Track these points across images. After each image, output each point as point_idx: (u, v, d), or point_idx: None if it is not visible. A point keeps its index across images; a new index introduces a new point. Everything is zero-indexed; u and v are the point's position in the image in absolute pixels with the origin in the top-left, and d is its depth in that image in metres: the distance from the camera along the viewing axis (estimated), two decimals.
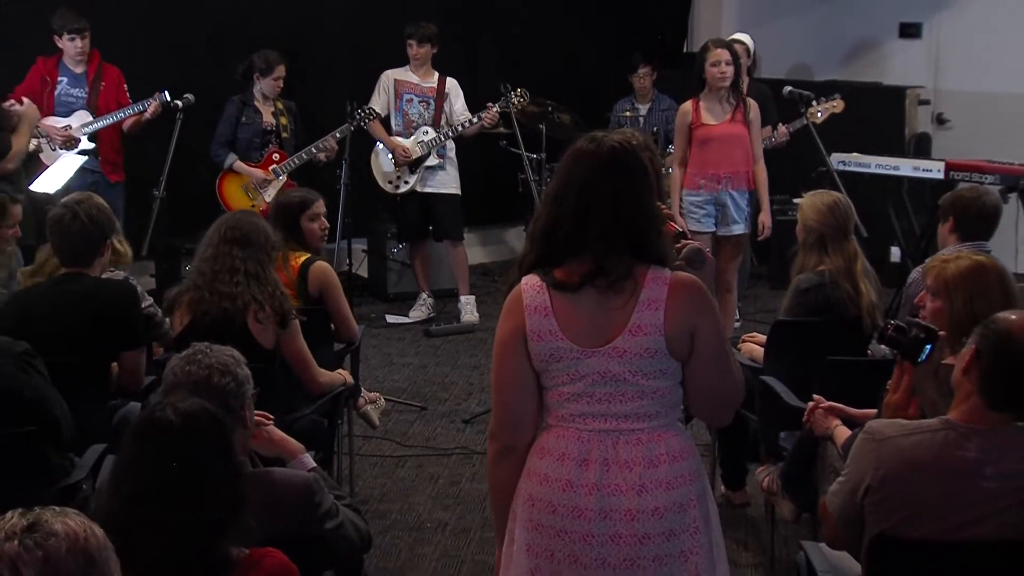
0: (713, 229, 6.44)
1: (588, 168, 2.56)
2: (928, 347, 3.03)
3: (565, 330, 2.52)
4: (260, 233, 4.19)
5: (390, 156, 7.40)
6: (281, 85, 7.12)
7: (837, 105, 7.12)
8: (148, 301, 4.59)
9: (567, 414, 2.56)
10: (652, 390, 2.54)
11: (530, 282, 2.57)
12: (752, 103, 6.45)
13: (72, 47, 6.67)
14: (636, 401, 2.54)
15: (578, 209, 2.53)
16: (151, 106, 6.62)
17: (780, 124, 7.16)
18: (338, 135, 7.03)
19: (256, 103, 7.15)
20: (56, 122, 6.57)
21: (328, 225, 5.06)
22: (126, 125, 6.77)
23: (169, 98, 6.61)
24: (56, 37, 6.68)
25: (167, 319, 4.44)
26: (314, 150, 7.11)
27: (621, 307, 2.51)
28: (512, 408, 2.60)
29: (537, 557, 2.56)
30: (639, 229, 2.55)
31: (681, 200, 6.43)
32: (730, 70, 6.28)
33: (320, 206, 4.94)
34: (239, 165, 7.08)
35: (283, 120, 7.20)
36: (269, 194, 7.04)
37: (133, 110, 6.70)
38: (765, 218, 6.55)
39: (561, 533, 2.53)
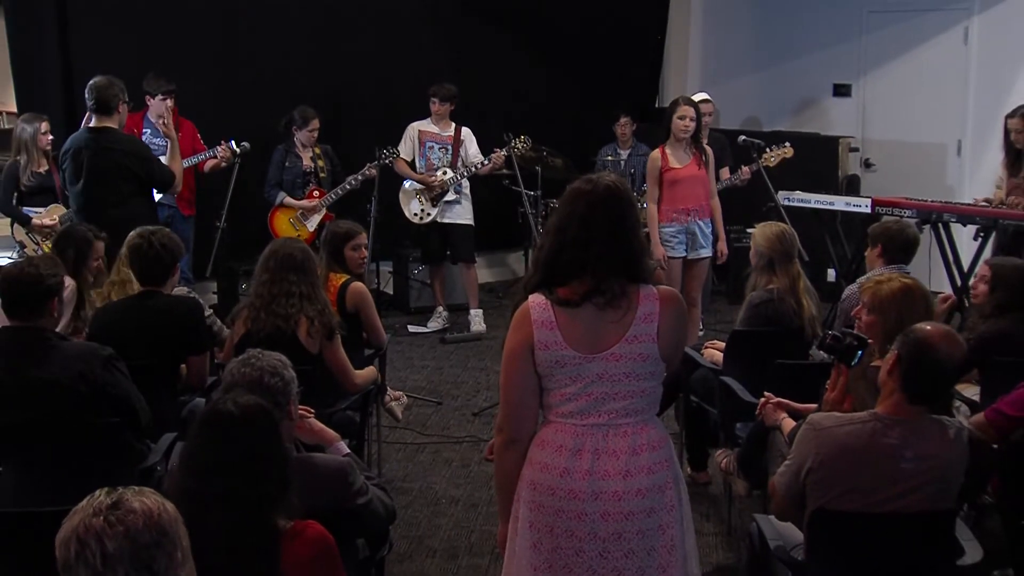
0: (685, 254, 6.43)
1: (587, 204, 2.54)
2: (860, 353, 3.03)
3: (568, 340, 2.49)
4: (311, 260, 4.18)
5: (419, 197, 7.40)
6: (315, 136, 7.15)
7: (788, 151, 7.14)
8: (209, 312, 4.60)
9: (565, 411, 2.54)
10: (640, 390, 2.53)
11: (536, 300, 2.54)
12: (708, 150, 6.49)
13: (163, 106, 6.69)
14: (626, 400, 2.52)
15: (579, 237, 2.51)
16: (221, 151, 6.66)
17: (743, 166, 7.17)
18: (367, 173, 7.06)
19: (297, 150, 7.17)
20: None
21: (367, 255, 5.04)
22: (207, 166, 6.79)
23: (234, 144, 6.66)
24: (149, 97, 6.69)
25: (225, 329, 4.45)
26: (347, 186, 7.13)
27: (618, 320, 2.50)
28: (517, 407, 2.57)
29: (538, 532, 2.54)
30: (631, 253, 2.54)
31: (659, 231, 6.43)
32: (693, 125, 6.32)
33: (362, 238, 4.91)
34: (288, 200, 7.12)
35: (320, 163, 7.22)
36: (311, 225, 7.09)
37: (204, 155, 6.73)
38: (722, 246, 6.56)
39: (559, 512, 2.52)
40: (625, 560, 2.50)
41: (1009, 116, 6.51)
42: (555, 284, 2.54)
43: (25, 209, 6.03)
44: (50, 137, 6.14)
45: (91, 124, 5.52)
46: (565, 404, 2.53)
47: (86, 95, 5.52)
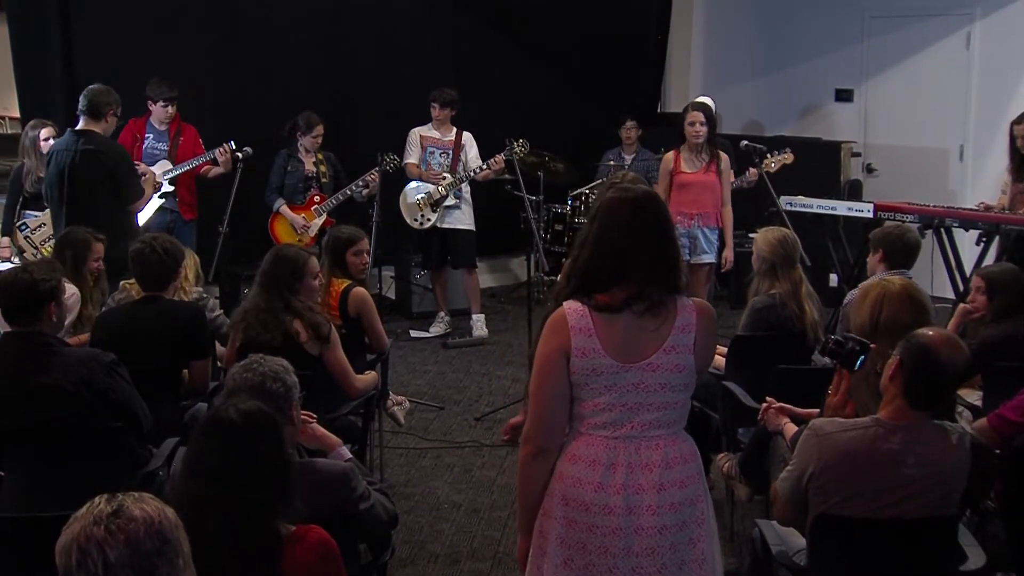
0: (687, 258, 6.42)
1: (628, 212, 2.51)
2: (862, 357, 3.03)
3: (606, 347, 2.46)
4: (305, 265, 4.18)
5: (417, 198, 7.42)
6: (319, 141, 7.15)
7: (788, 157, 7.15)
8: (219, 312, 4.61)
9: (598, 422, 2.50)
10: (673, 402, 2.52)
11: (573, 307, 2.50)
12: (724, 156, 6.45)
13: (164, 112, 6.71)
14: (659, 412, 2.50)
15: (622, 245, 2.48)
16: (220, 153, 6.66)
17: (750, 168, 7.15)
18: (371, 183, 7.09)
19: (299, 155, 7.18)
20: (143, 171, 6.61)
21: (369, 261, 5.05)
22: (203, 170, 6.80)
23: (235, 147, 6.67)
24: (150, 102, 6.70)
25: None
26: (348, 191, 7.14)
27: (655, 329, 2.47)
28: (549, 417, 2.52)
29: (570, 548, 2.50)
30: (673, 260, 2.53)
31: None
32: (704, 130, 6.30)
33: (364, 244, 4.92)
34: (284, 210, 7.11)
35: (322, 168, 7.23)
36: (312, 230, 7.10)
37: (205, 158, 6.74)
38: (728, 254, 6.53)
39: (592, 528, 2.48)
40: (658, 575, 2.48)
41: (1015, 122, 6.52)
42: (592, 291, 2.50)
43: (27, 213, 6.05)
44: (51, 143, 6.15)
45: (77, 127, 5.55)
46: (598, 415, 2.49)
47: (80, 99, 5.54)
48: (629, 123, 8.38)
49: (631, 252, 2.48)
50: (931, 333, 2.79)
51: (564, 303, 2.52)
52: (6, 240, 6.00)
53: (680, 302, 2.51)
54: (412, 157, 7.38)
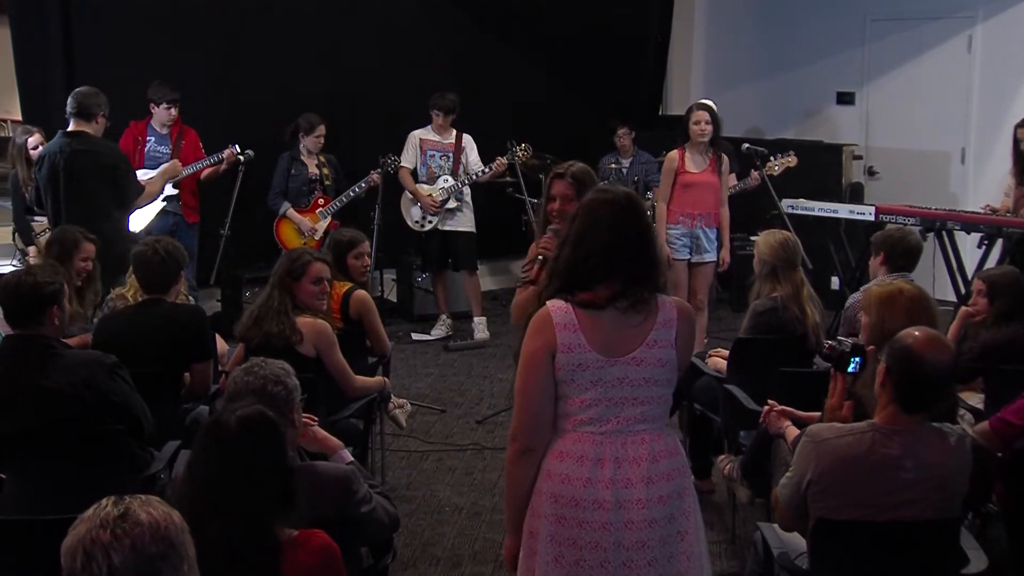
0: (689, 257, 6.42)
1: (612, 212, 2.55)
2: (855, 360, 3.04)
3: (591, 343, 2.49)
4: (299, 267, 4.21)
5: (419, 205, 7.43)
6: (322, 142, 7.17)
7: (791, 160, 7.15)
8: None
9: (584, 419, 2.52)
10: (657, 396, 2.54)
11: (556, 304, 2.53)
12: (724, 157, 6.46)
13: (167, 114, 6.71)
14: (643, 406, 2.52)
15: (607, 244, 2.51)
16: (226, 154, 6.67)
17: (753, 171, 7.16)
18: (371, 180, 7.14)
19: (302, 157, 7.19)
20: (145, 174, 6.60)
21: (369, 263, 5.06)
22: (204, 174, 6.80)
23: (239, 149, 6.67)
24: (152, 104, 6.70)
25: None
26: (351, 193, 7.15)
27: (639, 325, 2.51)
28: (535, 415, 2.54)
29: (561, 545, 2.52)
30: (654, 259, 2.57)
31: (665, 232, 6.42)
32: (709, 128, 6.30)
33: (365, 247, 4.94)
34: (291, 213, 7.13)
35: (325, 171, 7.25)
36: (318, 233, 7.10)
37: (209, 161, 6.74)
38: (725, 254, 6.54)
39: (583, 523, 2.50)
40: (648, 568, 2.50)
41: (1019, 125, 6.53)
42: (576, 290, 2.53)
43: (30, 219, 6.06)
44: (40, 149, 6.15)
45: (68, 129, 5.50)
46: (583, 411, 2.51)
47: (68, 101, 5.50)
48: (621, 130, 8.39)
49: (614, 252, 2.51)
50: (916, 334, 2.77)
51: (547, 302, 2.54)
52: (32, 249, 5.95)
53: (660, 299, 2.56)
54: (407, 161, 7.39)
